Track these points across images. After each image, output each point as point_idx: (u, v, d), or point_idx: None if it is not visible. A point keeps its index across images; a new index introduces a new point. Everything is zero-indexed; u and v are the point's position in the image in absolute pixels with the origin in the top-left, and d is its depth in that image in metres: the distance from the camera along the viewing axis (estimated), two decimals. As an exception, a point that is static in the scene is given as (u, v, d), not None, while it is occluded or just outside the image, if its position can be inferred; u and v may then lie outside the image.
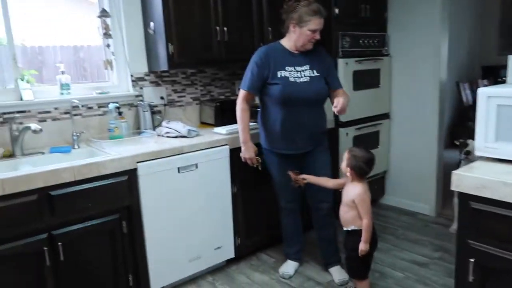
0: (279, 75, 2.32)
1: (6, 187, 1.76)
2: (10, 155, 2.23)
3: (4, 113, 2.29)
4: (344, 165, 2.15)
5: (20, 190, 1.81)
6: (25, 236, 1.86)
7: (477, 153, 1.70)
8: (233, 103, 3.05)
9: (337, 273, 2.58)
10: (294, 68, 2.34)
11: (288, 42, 2.37)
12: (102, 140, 2.44)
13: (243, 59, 2.92)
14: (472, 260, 1.56)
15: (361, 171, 2.11)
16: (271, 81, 2.33)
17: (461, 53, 5.37)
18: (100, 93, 2.62)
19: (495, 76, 4.76)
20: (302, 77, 2.34)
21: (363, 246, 2.08)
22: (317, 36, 2.30)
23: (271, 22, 2.96)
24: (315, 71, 2.38)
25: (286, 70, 2.33)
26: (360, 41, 3.27)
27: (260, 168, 2.48)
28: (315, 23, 2.24)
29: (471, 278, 1.57)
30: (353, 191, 2.11)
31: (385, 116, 3.62)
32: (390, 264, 2.73)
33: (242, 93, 2.41)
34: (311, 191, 2.50)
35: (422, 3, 3.25)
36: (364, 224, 2.08)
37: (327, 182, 2.34)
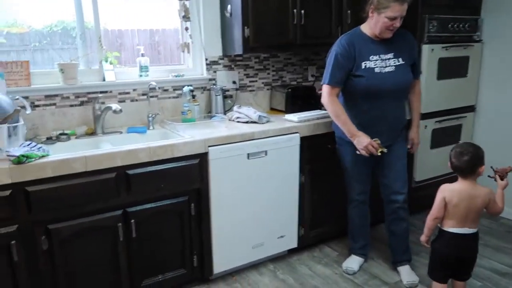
0: (363, 66, 2.19)
1: (88, 164, 1.86)
2: (92, 133, 2.35)
3: (89, 93, 2.41)
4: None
5: (100, 168, 1.90)
6: (103, 211, 1.96)
7: None
8: (305, 89, 2.99)
9: (406, 274, 2.44)
10: (379, 57, 2.20)
11: (368, 28, 2.22)
12: (176, 122, 2.49)
13: (319, 44, 2.84)
14: None
15: (451, 164, 1.95)
16: (356, 72, 2.20)
17: None
18: (176, 76, 2.67)
19: None
20: (387, 66, 2.20)
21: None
22: (397, 24, 2.11)
23: (351, 5, 2.81)
24: (400, 59, 2.22)
25: (370, 60, 2.19)
26: (449, 25, 3.00)
27: (385, 151, 2.19)
28: (394, 9, 2.06)
29: None
30: None
31: (470, 108, 3.32)
32: (467, 271, 2.53)
33: (326, 88, 2.23)
34: (386, 181, 2.38)
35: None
36: None
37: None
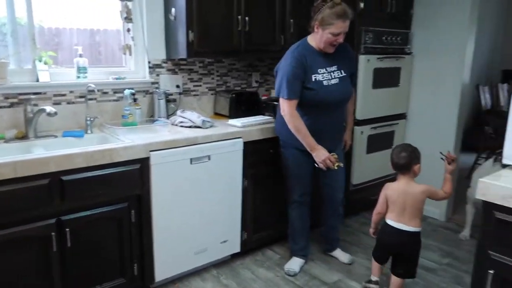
0: (313, 79, 2.28)
1: (18, 170, 1.74)
2: (23, 137, 2.21)
3: (20, 94, 2.26)
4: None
5: (32, 174, 1.78)
6: (34, 220, 1.84)
7: (505, 161, 1.64)
8: (249, 95, 3.03)
9: (342, 254, 2.76)
10: (326, 70, 2.31)
11: (314, 41, 2.31)
12: (116, 126, 2.41)
13: (263, 51, 2.90)
14: (491, 271, 1.52)
15: (391, 162, 2.19)
16: (307, 85, 2.28)
17: (483, 56, 5.25)
18: (117, 79, 2.58)
19: (515, 80, 4.68)
20: (333, 78, 2.32)
21: None
22: (340, 40, 2.24)
23: (293, 15, 2.90)
24: (342, 71, 2.35)
25: (319, 73, 2.30)
26: (384, 37, 3.19)
27: (342, 165, 2.36)
28: (338, 26, 2.18)
29: (488, 290, 1.53)
30: None
31: (402, 116, 3.54)
32: (398, 268, 2.69)
33: (285, 103, 2.26)
34: (329, 181, 2.55)
35: (450, 3, 3.15)
36: None
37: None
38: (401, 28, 3.33)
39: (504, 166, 1.67)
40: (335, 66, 2.34)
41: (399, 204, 2.12)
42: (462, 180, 4.33)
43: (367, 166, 3.34)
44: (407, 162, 2.11)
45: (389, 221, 2.17)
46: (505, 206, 1.45)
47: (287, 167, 2.52)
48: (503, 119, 1.63)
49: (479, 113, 5.08)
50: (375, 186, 3.50)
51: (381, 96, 3.28)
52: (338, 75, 2.34)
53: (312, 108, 2.32)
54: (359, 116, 3.14)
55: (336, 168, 2.33)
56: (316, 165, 2.36)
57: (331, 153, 2.33)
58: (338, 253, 2.79)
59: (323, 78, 2.29)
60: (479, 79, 5.33)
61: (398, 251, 2.18)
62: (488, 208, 1.52)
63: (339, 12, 2.16)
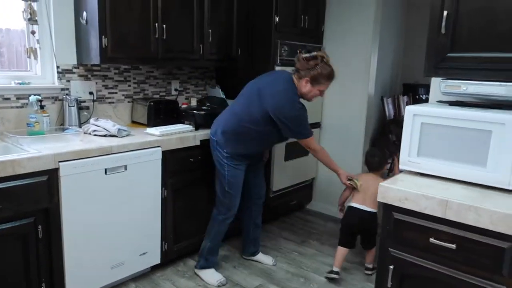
0: None
1: None
2: None
3: None
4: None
5: None
6: None
7: (401, 166, 1.82)
8: (168, 103, 2.98)
9: (266, 257, 2.90)
10: None
11: (298, 88, 2.42)
12: (19, 135, 2.21)
13: (181, 59, 2.88)
14: (391, 267, 1.66)
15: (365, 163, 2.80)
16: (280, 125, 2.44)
17: (386, 70, 5.76)
18: (20, 83, 2.38)
19: (413, 93, 5.21)
20: None
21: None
22: (323, 95, 2.50)
23: (212, 23, 2.93)
24: None
25: None
26: (298, 51, 3.35)
27: (359, 185, 2.61)
28: (326, 85, 2.44)
29: (389, 284, 1.67)
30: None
31: (317, 125, 3.75)
32: (314, 269, 2.82)
33: (311, 139, 2.52)
34: (257, 185, 2.79)
35: (356, 18, 3.44)
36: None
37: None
38: (313, 43, 3.53)
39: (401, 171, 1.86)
40: None
41: (364, 192, 2.60)
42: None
43: (285, 173, 3.46)
44: (379, 164, 2.70)
45: (354, 204, 2.64)
46: (401, 207, 1.61)
47: (229, 183, 2.51)
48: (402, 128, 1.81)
49: (384, 122, 5.57)
50: (294, 191, 3.65)
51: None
52: None
53: (269, 138, 2.55)
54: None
55: (357, 186, 2.63)
56: (344, 184, 2.68)
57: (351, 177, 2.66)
58: (261, 257, 2.89)
59: None
60: (383, 91, 5.85)
61: (363, 227, 2.64)
62: (387, 209, 1.67)
63: (330, 74, 2.39)
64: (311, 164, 3.76)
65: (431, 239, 1.54)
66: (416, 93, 4.42)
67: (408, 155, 1.78)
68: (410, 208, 1.58)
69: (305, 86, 2.39)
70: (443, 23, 1.70)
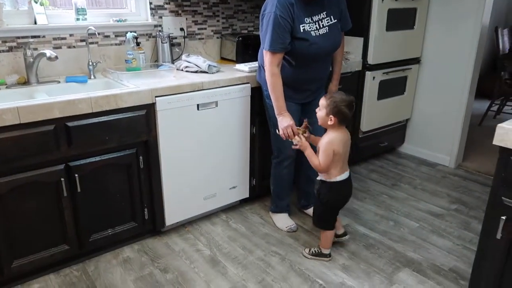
0: (301, 29, 2.04)
1: (21, 116, 1.70)
2: (25, 82, 2.15)
3: (18, 37, 2.17)
4: (323, 114, 1.97)
5: (36, 120, 1.75)
6: (42, 166, 1.84)
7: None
8: (256, 38, 2.88)
9: None
10: (311, 19, 2.06)
11: None
12: (119, 71, 2.33)
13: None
14: (503, 217, 1.50)
15: (343, 116, 1.96)
16: (296, 35, 2.04)
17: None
18: (118, 21, 2.47)
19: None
20: (321, 28, 2.09)
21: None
22: None
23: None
24: (332, 17, 2.11)
25: (305, 23, 2.05)
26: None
27: (306, 135, 2.11)
28: None
29: (499, 235, 1.52)
30: (323, 140, 2.00)
31: (415, 60, 3.41)
32: (405, 213, 2.70)
33: (269, 55, 2.03)
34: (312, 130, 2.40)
35: None
36: (314, 162, 2.00)
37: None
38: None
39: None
40: (324, 13, 2.09)
41: (343, 156, 2.03)
42: (475, 127, 4.27)
43: (377, 112, 3.26)
44: (353, 114, 2.02)
45: (338, 178, 2.04)
46: (523, 152, 1.40)
47: (275, 122, 2.22)
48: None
49: (496, 57, 4.88)
50: (385, 133, 3.46)
51: (395, 40, 3.12)
52: (328, 22, 2.10)
53: (298, 62, 2.13)
54: (371, 61, 3.02)
55: (295, 140, 2.08)
56: (277, 131, 2.18)
57: (305, 120, 2.15)
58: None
59: (310, 28, 2.06)
60: (497, 21, 5.07)
61: (348, 197, 2.19)
62: (505, 154, 1.47)
63: None
64: (407, 104, 3.48)
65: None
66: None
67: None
68: (534, 154, 1.37)
69: None
70: None
